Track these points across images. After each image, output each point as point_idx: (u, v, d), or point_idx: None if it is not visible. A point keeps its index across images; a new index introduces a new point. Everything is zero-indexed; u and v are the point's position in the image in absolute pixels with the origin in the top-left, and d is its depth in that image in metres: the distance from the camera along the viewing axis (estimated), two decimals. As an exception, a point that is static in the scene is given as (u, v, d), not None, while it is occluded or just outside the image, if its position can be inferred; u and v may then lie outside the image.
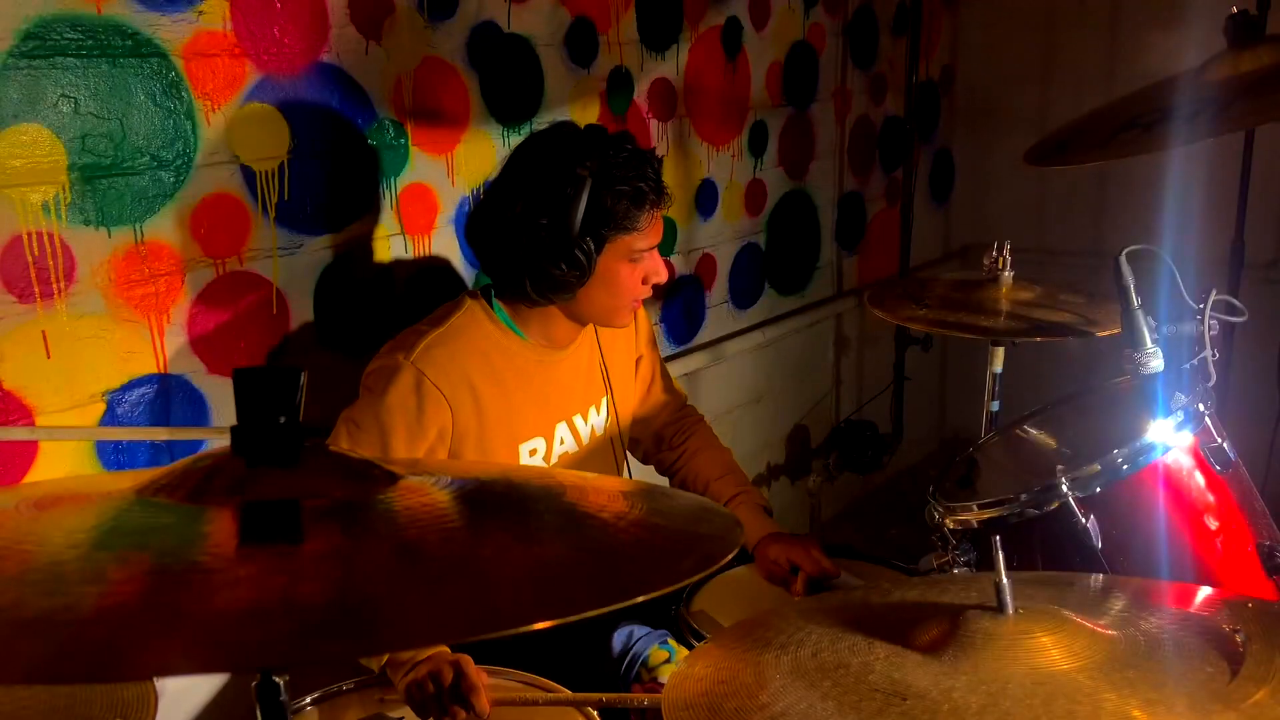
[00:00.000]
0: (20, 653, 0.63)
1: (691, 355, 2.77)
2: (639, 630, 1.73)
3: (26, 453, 1.55)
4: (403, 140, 1.97)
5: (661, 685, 1.64)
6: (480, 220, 1.73)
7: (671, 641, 1.71)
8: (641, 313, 1.97)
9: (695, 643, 1.68)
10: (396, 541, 0.79)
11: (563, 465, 1.83)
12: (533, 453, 1.78)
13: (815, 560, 1.81)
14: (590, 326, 1.82)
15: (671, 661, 1.68)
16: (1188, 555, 1.50)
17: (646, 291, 1.76)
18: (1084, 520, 1.47)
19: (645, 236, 1.69)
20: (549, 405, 1.80)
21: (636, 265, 1.71)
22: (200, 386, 1.73)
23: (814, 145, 3.13)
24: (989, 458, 1.85)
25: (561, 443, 1.83)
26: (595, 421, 1.89)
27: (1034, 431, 1.87)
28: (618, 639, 1.72)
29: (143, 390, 1.66)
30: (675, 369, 2.56)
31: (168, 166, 1.64)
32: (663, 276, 1.75)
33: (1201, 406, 1.53)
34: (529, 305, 1.73)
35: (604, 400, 1.90)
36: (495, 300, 1.75)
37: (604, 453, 1.92)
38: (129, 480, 0.86)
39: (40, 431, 1.55)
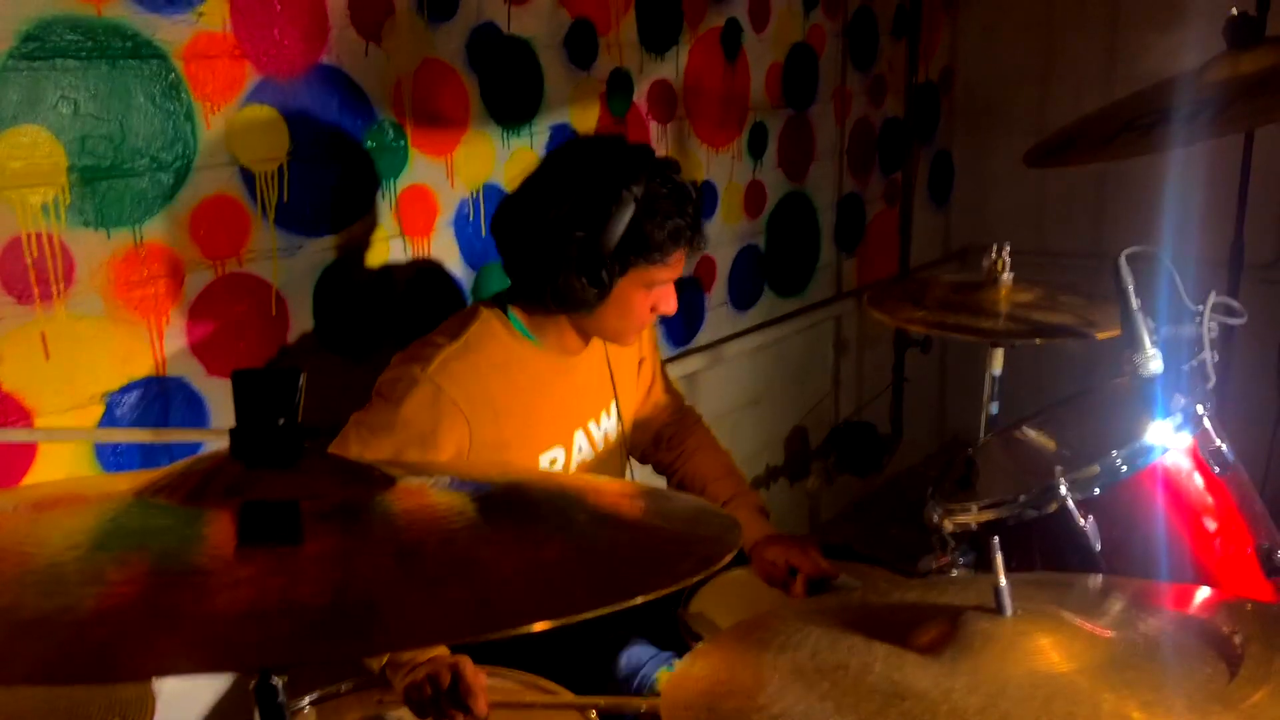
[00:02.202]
0: (20, 653, 0.63)
1: (691, 357, 2.77)
2: (646, 652, 1.72)
3: (25, 454, 1.55)
4: (402, 142, 1.97)
5: None
6: (511, 215, 1.70)
7: (678, 663, 1.70)
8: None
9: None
10: (396, 543, 0.79)
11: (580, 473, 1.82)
12: (553, 462, 1.77)
13: (813, 561, 1.81)
14: None
15: None
16: (1186, 557, 1.50)
17: (652, 319, 1.76)
18: (1083, 522, 1.47)
19: (669, 270, 1.69)
20: (566, 413, 1.79)
21: (650, 293, 1.70)
22: (199, 388, 1.73)
23: (813, 147, 3.14)
24: (988, 459, 1.84)
25: (580, 450, 1.82)
26: (607, 426, 1.88)
27: (1033, 433, 1.87)
28: (624, 660, 1.71)
29: (142, 392, 1.66)
30: (675, 371, 2.56)
31: (167, 168, 1.64)
32: (671, 309, 1.74)
33: (1200, 408, 1.53)
34: (544, 313, 1.71)
35: (612, 404, 1.89)
36: (509, 309, 1.73)
37: (614, 457, 1.91)
38: (128, 482, 0.86)
39: (39, 433, 1.55)
